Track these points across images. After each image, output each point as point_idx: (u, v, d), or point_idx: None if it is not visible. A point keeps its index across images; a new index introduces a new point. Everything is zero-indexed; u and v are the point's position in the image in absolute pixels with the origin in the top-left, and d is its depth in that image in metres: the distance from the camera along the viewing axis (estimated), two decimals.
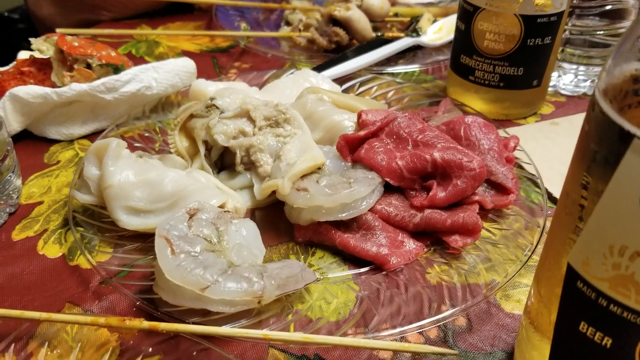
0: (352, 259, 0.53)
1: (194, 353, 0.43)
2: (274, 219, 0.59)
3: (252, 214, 0.60)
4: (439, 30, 0.94)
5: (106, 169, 0.54)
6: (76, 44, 0.72)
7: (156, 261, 0.46)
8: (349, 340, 0.43)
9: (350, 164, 0.59)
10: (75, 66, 0.71)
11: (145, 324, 0.43)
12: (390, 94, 0.77)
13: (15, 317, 0.45)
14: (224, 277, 0.45)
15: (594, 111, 0.31)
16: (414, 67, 0.87)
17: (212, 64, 0.92)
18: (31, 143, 0.71)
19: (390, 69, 0.86)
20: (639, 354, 0.33)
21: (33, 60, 0.75)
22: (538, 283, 0.39)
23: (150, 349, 0.43)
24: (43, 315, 0.44)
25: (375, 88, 0.79)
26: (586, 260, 0.33)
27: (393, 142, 0.59)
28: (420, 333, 0.47)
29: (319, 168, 0.58)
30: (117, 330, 0.44)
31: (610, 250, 0.31)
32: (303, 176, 0.56)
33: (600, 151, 0.31)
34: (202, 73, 0.81)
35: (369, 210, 0.55)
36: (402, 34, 0.92)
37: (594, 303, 0.33)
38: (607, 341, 0.34)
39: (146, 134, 0.69)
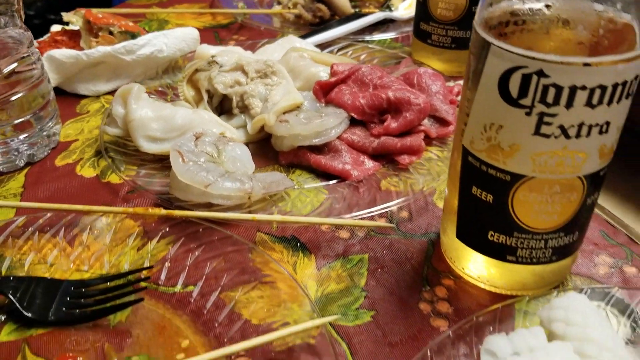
0: (323, 175, 0.67)
1: (200, 230, 0.56)
2: (264, 150, 0.72)
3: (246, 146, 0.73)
4: (409, 7, 1.07)
5: (130, 107, 0.67)
6: (100, 15, 0.85)
7: (171, 170, 0.60)
8: (315, 219, 0.56)
9: (323, 104, 0.73)
10: (100, 33, 0.84)
11: (164, 211, 0.57)
12: (362, 56, 0.91)
13: (64, 210, 0.58)
14: (222, 178, 0.59)
15: (474, 36, 0.44)
16: (386, 36, 1.00)
17: (214, 37, 1.05)
18: (65, 98, 0.84)
19: (366, 38, 0.99)
20: (511, 204, 0.46)
21: (65, 31, 0.88)
22: (449, 172, 0.52)
23: (168, 229, 0.57)
24: (85, 207, 0.58)
25: (350, 52, 0.92)
26: (472, 139, 0.46)
27: (357, 86, 0.72)
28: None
29: (298, 107, 0.71)
30: (141, 217, 0.58)
31: (484, 128, 0.45)
32: (285, 112, 0.70)
33: (476, 63, 0.44)
34: None
35: (337, 138, 0.68)
36: (377, 10, 1.05)
37: (478, 170, 0.46)
38: (489, 197, 0.47)
39: (159, 89, 0.83)
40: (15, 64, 0.66)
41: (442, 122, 0.71)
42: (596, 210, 0.61)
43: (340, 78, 0.72)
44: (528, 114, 0.42)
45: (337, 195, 0.62)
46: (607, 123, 0.42)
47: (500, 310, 0.47)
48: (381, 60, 0.89)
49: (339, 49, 0.93)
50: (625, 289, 0.49)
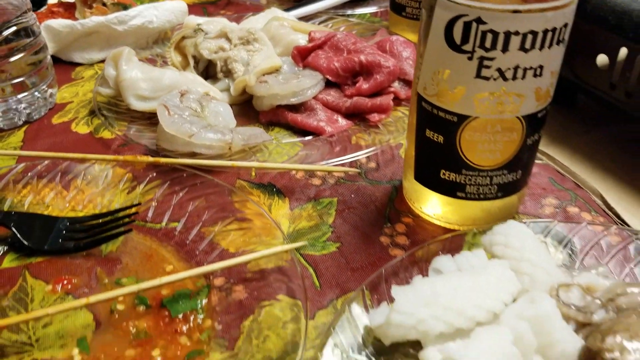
0: (300, 132, 0.72)
1: (184, 175, 0.61)
2: (245, 111, 0.77)
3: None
4: None
5: (121, 68, 0.72)
6: None
7: (159, 124, 0.65)
8: (290, 165, 0.62)
9: (301, 67, 0.78)
10: (94, 5, 0.89)
11: (151, 159, 0.62)
12: (341, 28, 0.96)
13: (61, 157, 0.63)
14: (204, 130, 0.64)
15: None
16: (366, 10, 1.05)
17: (202, 12, 1.10)
18: (61, 65, 0.89)
19: (347, 12, 1.04)
20: (459, 143, 0.51)
21: (61, 3, 0.93)
22: (408, 122, 0.58)
23: (155, 174, 0.62)
24: (79, 155, 0.63)
25: (330, 24, 0.97)
26: (425, 86, 0.51)
27: (332, 51, 0.77)
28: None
29: (277, 70, 0.76)
30: (130, 165, 0.63)
31: (434, 74, 0.50)
32: (265, 74, 0.75)
33: (427, 16, 0.49)
34: None
35: (313, 98, 0.73)
36: None
37: (430, 113, 0.52)
38: (440, 138, 0.52)
39: (150, 56, 0.88)
40: (14, 27, 0.71)
41: (411, 85, 0.76)
42: (546, 160, 0.67)
43: (317, 44, 0.78)
44: (470, 58, 0.47)
45: (311, 147, 0.68)
46: (541, 67, 0.47)
47: (450, 240, 0.53)
48: (359, 32, 0.94)
49: (320, 22, 0.98)
50: (564, 222, 0.55)
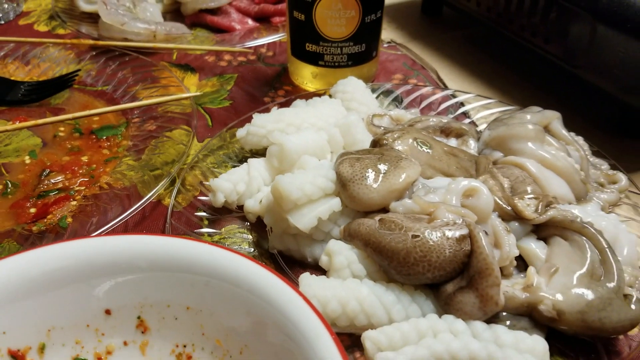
0: (217, 30, 0.88)
1: (117, 53, 0.77)
2: (176, 17, 0.92)
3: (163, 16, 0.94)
4: None
5: None
6: None
7: (100, 18, 0.80)
8: (202, 47, 0.78)
9: None
10: None
11: (91, 41, 0.78)
12: None
13: (22, 41, 0.79)
14: (134, 21, 0.80)
15: None
16: None
17: None
18: None
19: None
20: (315, 19, 0.68)
21: None
22: (287, 14, 0.74)
23: (94, 53, 0.78)
24: (36, 39, 0.79)
25: None
26: None
27: None
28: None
29: None
30: (76, 47, 0.78)
31: None
32: None
33: None
34: None
35: (228, 4, 0.89)
36: None
37: None
38: (302, 16, 0.68)
39: None
40: None
41: None
42: (405, 51, 0.84)
43: None
44: None
45: (222, 39, 0.84)
46: None
47: (312, 93, 0.70)
48: None
49: None
50: (394, 84, 0.72)
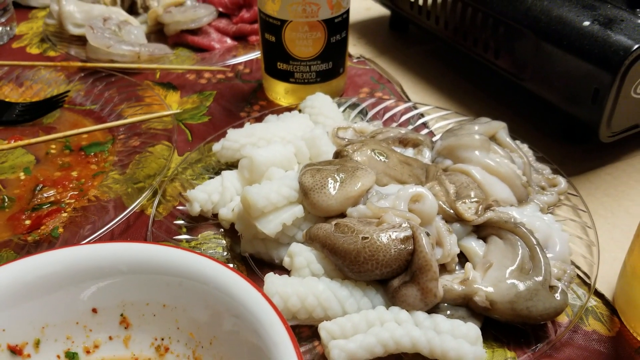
0: (198, 50, 0.93)
1: (103, 74, 0.82)
2: (159, 38, 0.98)
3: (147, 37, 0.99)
4: None
5: (61, 3, 0.93)
6: None
7: (87, 41, 0.85)
8: (184, 67, 0.83)
9: (201, 2, 0.98)
10: None
11: (79, 63, 0.83)
12: None
13: (15, 64, 0.84)
14: (119, 43, 0.85)
15: None
16: None
17: None
18: (21, 9, 1.08)
19: None
20: (284, 40, 0.73)
21: None
22: (260, 37, 0.79)
23: (82, 74, 0.83)
24: (28, 63, 0.84)
25: None
26: (261, 2, 0.73)
27: None
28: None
29: (181, 4, 0.97)
30: (65, 69, 0.84)
31: None
32: (170, 6, 0.96)
33: None
34: None
35: (208, 25, 0.94)
36: None
37: (265, 21, 0.73)
38: (273, 38, 0.74)
39: None
40: None
41: None
42: (372, 66, 0.89)
43: None
44: None
45: (203, 58, 0.89)
46: None
47: (284, 109, 0.75)
48: None
49: None
50: (360, 98, 0.77)
